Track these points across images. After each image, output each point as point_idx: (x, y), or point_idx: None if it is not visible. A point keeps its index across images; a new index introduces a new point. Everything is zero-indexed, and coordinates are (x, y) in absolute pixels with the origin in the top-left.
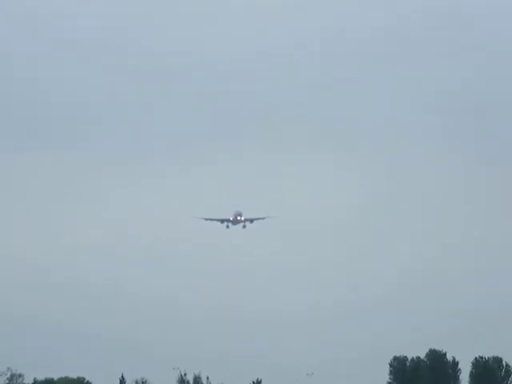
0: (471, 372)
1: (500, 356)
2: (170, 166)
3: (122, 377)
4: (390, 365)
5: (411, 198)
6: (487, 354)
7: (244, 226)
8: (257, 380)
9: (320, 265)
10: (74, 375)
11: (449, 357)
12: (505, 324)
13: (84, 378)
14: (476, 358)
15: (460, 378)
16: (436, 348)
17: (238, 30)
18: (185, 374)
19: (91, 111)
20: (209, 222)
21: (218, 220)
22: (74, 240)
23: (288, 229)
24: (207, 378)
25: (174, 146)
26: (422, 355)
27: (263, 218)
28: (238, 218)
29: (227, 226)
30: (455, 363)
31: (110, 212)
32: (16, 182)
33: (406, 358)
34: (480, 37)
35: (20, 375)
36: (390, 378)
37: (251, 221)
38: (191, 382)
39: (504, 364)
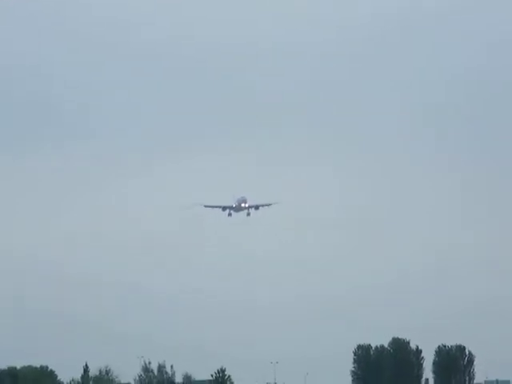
0: (434, 360)
1: (463, 344)
2: (169, 151)
3: (86, 365)
4: (355, 353)
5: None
6: (450, 342)
7: (248, 214)
8: (221, 369)
9: (309, 256)
10: (37, 364)
11: (412, 345)
12: (467, 312)
13: (47, 367)
14: (439, 347)
15: (423, 366)
16: (399, 336)
17: (236, 21)
18: (149, 363)
19: (90, 107)
20: (209, 209)
21: (219, 207)
22: (66, 228)
23: (297, 216)
24: (171, 367)
25: (172, 131)
26: (386, 344)
27: (269, 205)
28: (242, 204)
29: (229, 214)
30: (418, 351)
31: (106, 200)
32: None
33: (370, 346)
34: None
35: None
36: (354, 367)
37: (256, 207)
38: (155, 370)
39: (467, 352)
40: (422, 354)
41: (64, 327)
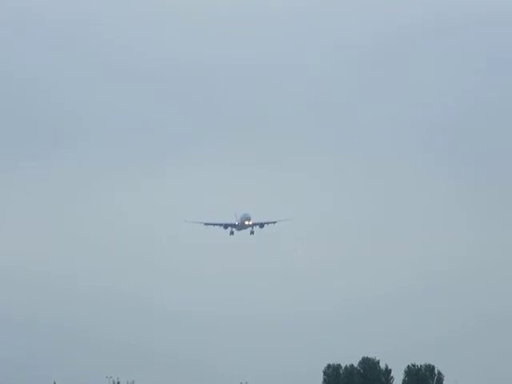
0: (404, 380)
1: (432, 364)
2: (170, 160)
3: None
4: (324, 373)
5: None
6: (419, 361)
7: (252, 232)
8: None
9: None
10: (4, 382)
11: (382, 365)
12: (437, 332)
13: None
14: (408, 366)
15: None
16: (369, 356)
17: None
18: (118, 382)
19: (91, 112)
20: (210, 227)
21: (220, 225)
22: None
23: (304, 234)
24: None
25: (174, 140)
26: (356, 363)
27: (274, 222)
28: (246, 222)
29: (231, 233)
30: (388, 371)
31: (101, 209)
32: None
33: (339, 365)
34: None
35: None
36: None
37: (261, 225)
38: None
39: (436, 372)
40: (392, 374)
41: (30, 346)
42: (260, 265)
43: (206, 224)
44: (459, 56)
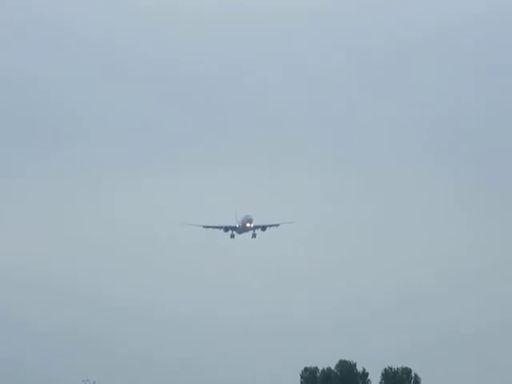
0: (380, 383)
1: (409, 367)
2: (168, 165)
3: None
4: (301, 376)
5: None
6: (396, 364)
7: (254, 236)
8: None
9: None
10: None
11: (359, 367)
12: (413, 334)
13: None
14: (385, 369)
15: None
16: (346, 359)
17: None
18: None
19: (91, 112)
20: (209, 230)
21: (220, 227)
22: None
23: (308, 238)
24: None
25: (172, 144)
26: (333, 366)
27: (277, 225)
28: (248, 224)
29: (232, 236)
30: (365, 374)
31: (101, 214)
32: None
33: (316, 368)
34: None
35: None
36: None
37: (263, 228)
38: None
39: (413, 375)
40: (369, 377)
41: (31, 344)
42: (259, 265)
43: (206, 227)
44: (459, 56)
